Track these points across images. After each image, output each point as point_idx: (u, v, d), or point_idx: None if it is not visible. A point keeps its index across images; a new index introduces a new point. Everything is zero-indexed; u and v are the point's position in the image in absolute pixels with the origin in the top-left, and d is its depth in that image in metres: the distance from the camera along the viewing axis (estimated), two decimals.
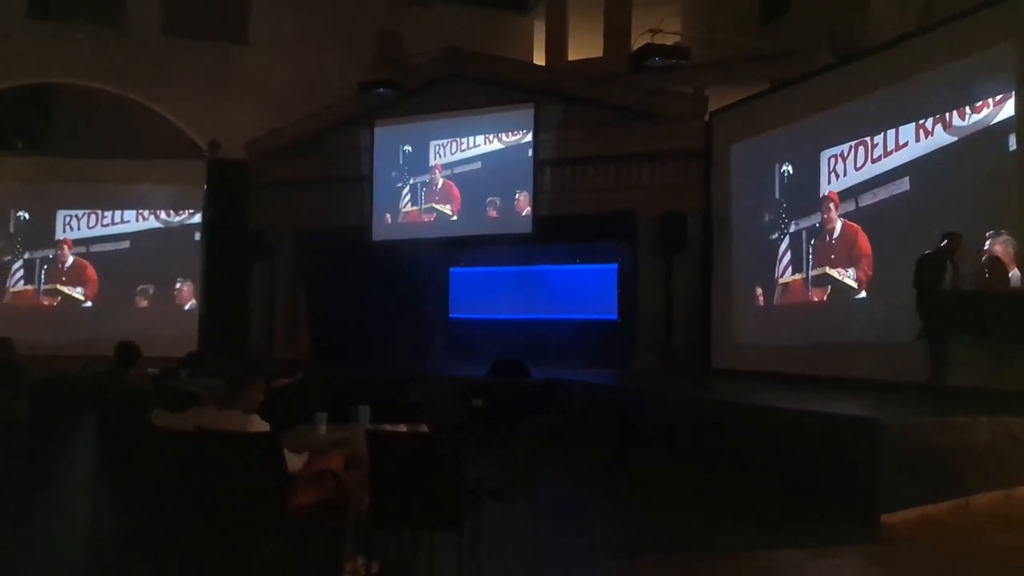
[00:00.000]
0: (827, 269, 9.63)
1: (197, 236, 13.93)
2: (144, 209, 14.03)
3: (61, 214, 14.07)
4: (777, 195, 10.44)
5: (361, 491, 3.93)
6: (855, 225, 9.25)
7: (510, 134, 12.54)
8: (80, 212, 14.08)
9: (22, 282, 14.06)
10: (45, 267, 14.08)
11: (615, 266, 13.20)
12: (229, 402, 4.09)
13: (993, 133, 7.62)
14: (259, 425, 3.98)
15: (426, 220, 13.17)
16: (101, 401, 5.70)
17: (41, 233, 14.08)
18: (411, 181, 13.27)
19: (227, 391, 4.16)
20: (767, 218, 10.58)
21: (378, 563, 4.16)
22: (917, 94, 8.43)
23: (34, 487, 6.02)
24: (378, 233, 13.29)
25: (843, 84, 9.49)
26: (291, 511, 3.82)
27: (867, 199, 9.08)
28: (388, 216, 13.35)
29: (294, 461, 3.89)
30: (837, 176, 9.52)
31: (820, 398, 7.53)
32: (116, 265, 14.00)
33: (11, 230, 14.05)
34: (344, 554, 4.04)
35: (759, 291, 10.63)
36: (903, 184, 8.63)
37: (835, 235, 9.54)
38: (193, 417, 4.05)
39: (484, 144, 12.77)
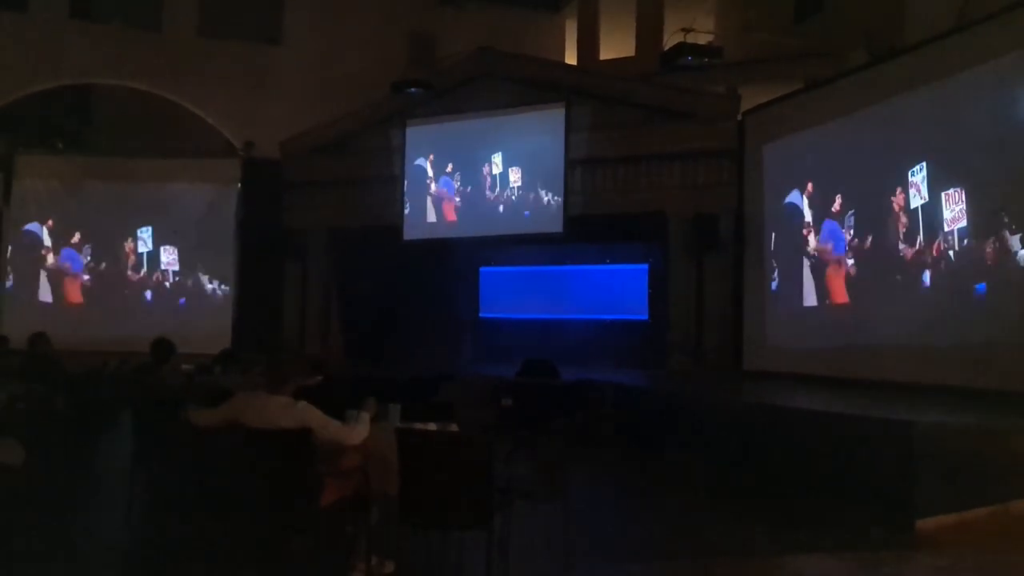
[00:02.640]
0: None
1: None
2: (180, 207, 14.23)
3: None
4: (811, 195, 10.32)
5: (379, 491, 3.95)
6: None
7: (541, 134, 12.51)
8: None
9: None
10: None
11: (646, 266, 13.13)
12: (275, 389, 4.11)
13: None
14: (307, 410, 4.00)
15: (457, 219, 13.19)
16: (137, 396, 5.80)
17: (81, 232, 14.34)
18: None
19: (273, 379, 4.15)
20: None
21: (393, 562, 4.18)
22: (956, 93, 8.28)
23: (70, 481, 6.13)
24: (409, 232, 13.34)
25: (878, 83, 9.35)
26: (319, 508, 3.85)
27: None
28: (419, 215, 13.39)
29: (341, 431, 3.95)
30: None
31: (855, 401, 7.43)
32: None
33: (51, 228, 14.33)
34: (358, 553, 4.06)
35: (792, 292, 10.51)
36: None
37: None
38: (243, 402, 4.09)
39: (516, 143, 12.75)
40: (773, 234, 10.89)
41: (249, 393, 4.16)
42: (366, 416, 4.12)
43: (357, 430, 3.99)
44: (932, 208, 8.47)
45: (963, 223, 8.06)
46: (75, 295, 14.24)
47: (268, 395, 4.06)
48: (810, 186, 10.29)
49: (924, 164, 8.56)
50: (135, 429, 5.10)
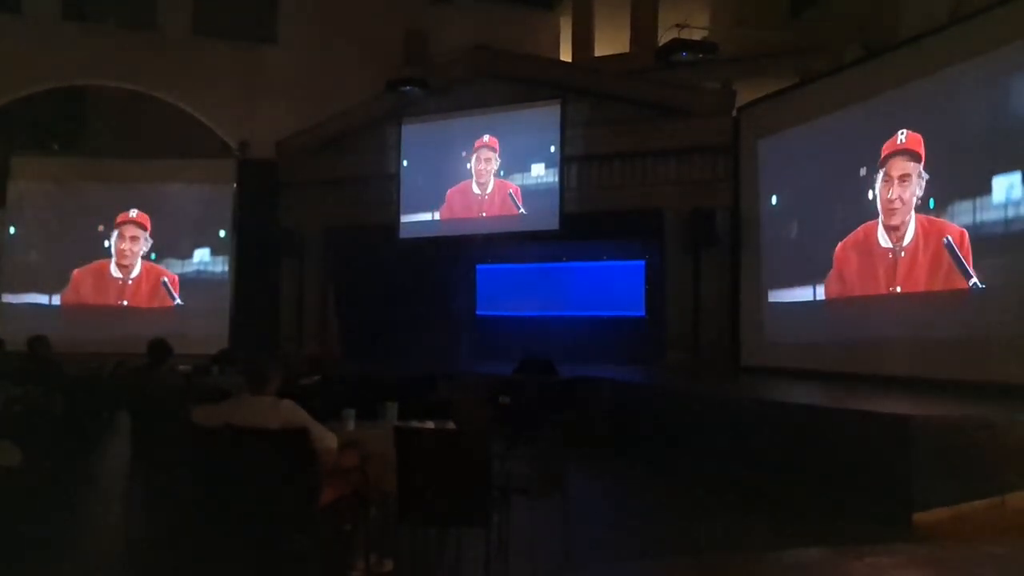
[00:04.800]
0: None
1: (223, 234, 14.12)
2: (175, 208, 14.21)
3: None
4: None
5: (378, 490, 3.96)
6: None
7: (537, 131, 12.50)
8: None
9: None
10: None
11: (643, 263, 13.13)
12: (258, 390, 4.11)
13: None
14: (293, 410, 4.00)
15: (453, 217, 13.18)
16: (134, 398, 5.80)
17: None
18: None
19: (253, 380, 4.13)
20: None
21: (391, 560, 4.18)
22: (952, 86, 8.28)
23: (69, 482, 6.13)
24: (406, 230, 13.33)
25: (874, 77, 9.35)
26: (318, 507, 3.86)
27: None
28: (415, 214, 13.38)
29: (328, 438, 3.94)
30: None
31: (852, 395, 7.45)
32: None
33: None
34: (356, 551, 4.07)
35: (789, 287, 10.52)
36: None
37: None
38: (229, 406, 4.09)
39: (512, 141, 12.74)
40: (770, 228, 10.90)
41: (239, 398, 4.16)
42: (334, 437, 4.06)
43: (331, 436, 3.97)
44: (928, 201, 8.49)
45: (961, 215, 8.08)
46: (73, 296, 14.21)
47: (252, 396, 4.05)
48: (806, 181, 10.30)
49: (921, 158, 8.58)
50: (133, 430, 5.09)
